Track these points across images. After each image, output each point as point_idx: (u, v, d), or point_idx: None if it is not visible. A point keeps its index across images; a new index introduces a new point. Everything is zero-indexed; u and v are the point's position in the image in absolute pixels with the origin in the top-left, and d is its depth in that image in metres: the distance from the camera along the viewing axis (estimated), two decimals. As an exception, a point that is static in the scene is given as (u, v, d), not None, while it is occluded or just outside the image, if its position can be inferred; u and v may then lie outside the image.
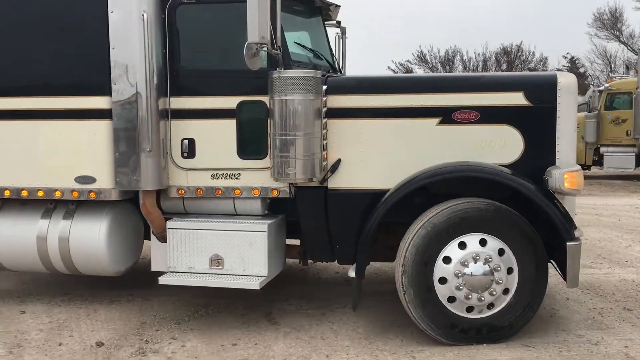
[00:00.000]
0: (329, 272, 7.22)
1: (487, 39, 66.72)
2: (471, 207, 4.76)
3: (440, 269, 4.75)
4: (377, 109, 5.27)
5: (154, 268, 5.65)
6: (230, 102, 5.31)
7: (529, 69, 37.06)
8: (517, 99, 5.08)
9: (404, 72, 39.31)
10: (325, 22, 6.94)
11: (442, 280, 4.74)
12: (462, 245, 4.73)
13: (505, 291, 4.75)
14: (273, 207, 5.60)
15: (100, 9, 5.17)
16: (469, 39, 64.24)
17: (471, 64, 40.24)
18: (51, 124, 5.44)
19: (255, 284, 5.12)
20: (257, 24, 4.65)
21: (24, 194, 5.55)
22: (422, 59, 41.47)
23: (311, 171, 5.09)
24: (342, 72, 6.64)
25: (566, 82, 5.06)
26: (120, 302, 6.10)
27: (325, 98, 5.19)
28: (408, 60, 42.21)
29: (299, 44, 5.63)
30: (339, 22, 7.16)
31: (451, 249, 4.73)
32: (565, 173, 4.70)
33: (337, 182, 5.31)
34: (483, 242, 4.72)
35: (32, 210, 5.68)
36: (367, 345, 4.94)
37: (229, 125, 5.33)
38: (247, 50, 4.69)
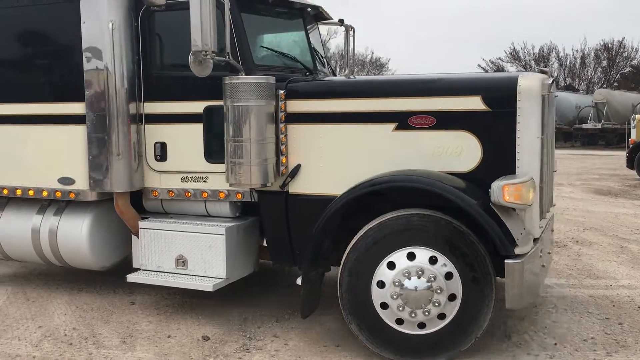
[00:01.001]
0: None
1: (586, 34, 62.31)
2: (398, 222, 4.56)
3: (377, 293, 4.57)
4: (333, 113, 5.16)
5: (134, 265, 5.91)
6: (196, 106, 5.42)
7: (632, 67, 34.26)
8: (474, 103, 4.77)
9: (494, 71, 37.69)
10: (325, 22, 6.92)
11: (384, 306, 4.56)
12: (391, 265, 4.53)
13: (452, 297, 4.50)
14: (247, 209, 5.68)
15: (75, 19, 5.46)
16: (565, 34, 60.26)
17: (568, 61, 37.87)
18: (36, 128, 5.84)
19: (209, 286, 5.23)
20: (199, 32, 4.71)
21: (18, 192, 6.01)
22: (514, 56, 39.60)
23: (264, 177, 5.08)
24: (329, 71, 6.56)
25: (527, 84, 4.67)
26: (223, 298, 5.94)
27: (282, 103, 5.17)
28: (500, 58, 40.47)
29: (266, 47, 5.62)
30: (341, 21, 7.07)
31: (383, 270, 4.55)
32: (504, 185, 4.35)
33: (298, 187, 5.27)
34: (411, 256, 4.49)
35: (30, 206, 6.12)
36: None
37: (197, 130, 5.44)
38: (192, 58, 4.77)
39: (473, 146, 4.78)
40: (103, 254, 5.96)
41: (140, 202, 5.91)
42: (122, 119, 5.47)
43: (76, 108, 5.58)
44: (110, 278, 6.46)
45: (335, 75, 7.14)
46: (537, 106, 4.65)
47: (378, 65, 52.95)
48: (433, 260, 4.45)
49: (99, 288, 6.06)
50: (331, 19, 6.81)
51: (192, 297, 6.01)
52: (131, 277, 5.58)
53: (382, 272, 4.55)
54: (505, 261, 4.27)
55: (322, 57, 6.46)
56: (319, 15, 6.54)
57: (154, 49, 5.55)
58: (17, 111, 5.92)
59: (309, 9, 6.16)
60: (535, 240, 4.69)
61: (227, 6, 4.92)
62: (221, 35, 5.05)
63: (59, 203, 6.02)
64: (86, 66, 5.46)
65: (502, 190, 4.30)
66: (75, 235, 5.85)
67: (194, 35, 4.73)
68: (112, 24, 5.31)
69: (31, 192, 5.94)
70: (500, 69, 38.95)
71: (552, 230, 5.72)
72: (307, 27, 6.18)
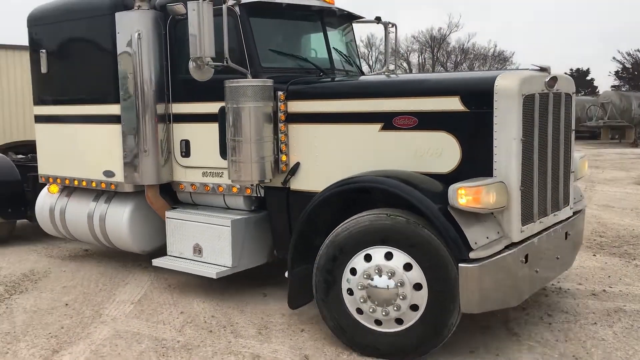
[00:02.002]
0: (570, 282, 6.47)
1: None
2: (362, 224, 4.63)
3: (348, 299, 4.70)
4: (326, 114, 5.34)
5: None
6: (213, 107, 5.82)
7: None
8: (453, 104, 4.70)
9: (632, 63, 34.63)
10: (361, 21, 7.05)
11: (359, 311, 4.66)
12: (368, 258, 4.60)
13: (414, 307, 4.51)
14: (263, 204, 6.01)
15: (112, 30, 6.13)
16: None
17: None
18: (86, 127, 6.64)
19: (212, 274, 5.66)
20: (197, 40, 5.12)
21: (75, 183, 6.88)
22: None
23: (261, 174, 5.40)
24: (357, 70, 6.69)
25: (504, 84, 4.50)
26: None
27: (282, 104, 5.44)
28: (638, 50, 36.76)
29: (275, 50, 5.88)
30: (378, 19, 7.17)
31: (356, 264, 4.64)
32: (459, 188, 4.24)
33: (298, 184, 5.53)
34: (388, 256, 4.52)
35: (88, 195, 6.96)
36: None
37: (214, 129, 5.86)
38: (192, 64, 5.19)
39: (452, 147, 4.72)
40: (142, 239, 6.62)
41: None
42: (149, 119, 6.06)
43: (114, 109, 6.27)
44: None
45: (364, 74, 7.22)
46: (515, 107, 4.48)
47: (501, 59, 50.64)
48: (389, 256, 4.51)
49: (232, 278, 5.94)
50: (361, 17, 6.95)
51: None
52: (156, 261, 6.17)
53: (349, 280, 4.68)
54: (459, 265, 4.21)
55: (347, 56, 6.62)
56: (351, 15, 6.70)
57: (180, 54, 6.03)
58: (72, 112, 6.77)
59: (330, 11, 6.34)
60: (515, 244, 4.56)
61: (225, 14, 5.27)
62: (232, 41, 5.47)
63: (108, 193, 6.79)
64: (120, 71, 6.12)
65: (457, 194, 4.24)
66: (118, 221, 6.57)
67: (192, 43, 5.15)
68: (139, 34, 5.89)
69: (84, 183, 6.77)
70: (638, 61, 35.51)
71: (569, 234, 5.41)
72: (328, 28, 6.37)
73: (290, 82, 5.54)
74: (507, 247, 4.49)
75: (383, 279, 4.51)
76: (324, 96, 5.43)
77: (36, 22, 7.03)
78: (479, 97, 4.59)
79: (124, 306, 5.84)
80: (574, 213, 5.68)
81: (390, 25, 7.37)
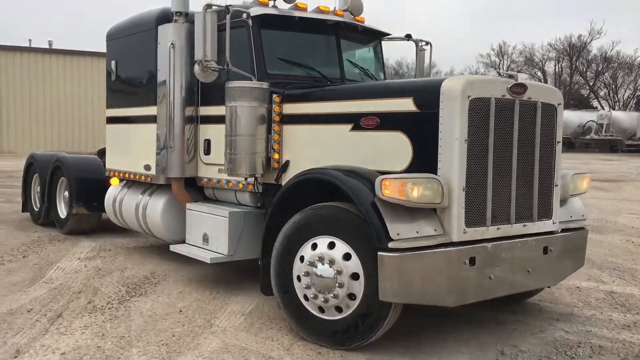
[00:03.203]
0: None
1: None
2: (311, 213, 4.92)
3: (297, 285, 4.97)
4: (309, 115, 5.74)
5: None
6: (228, 110, 6.47)
7: None
8: (407, 105, 4.88)
9: None
10: (391, 38, 7.37)
11: (305, 298, 4.94)
12: (314, 247, 4.86)
13: (351, 296, 4.67)
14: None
15: (155, 43, 7.02)
16: None
17: None
18: (134, 126, 7.59)
19: (207, 258, 6.19)
20: (201, 45, 5.79)
21: (126, 176, 7.83)
22: None
23: (252, 168, 5.88)
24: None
25: (450, 86, 4.60)
26: (480, 324, 5.56)
27: (277, 105, 5.91)
28: None
29: (282, 59, 6.36)
30: (408, 36, 7.45)
31: (305, 251, 4.92)
32: (383, 180, 4.37)
33: (287, 180, 5.89)
34: (331, 245, 4.75)
35: (139, 187, 7.86)
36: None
37: (228, 129, 6.49)
38: (196, 67, 5.86)
39: (406, 146, 4.89)
40: (174, 229, 7.30)
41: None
42: (177, 119, 6.83)
43: (152, 110, 7.13)
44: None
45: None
46: (457, 108, 4.56)
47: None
48: (332, 247, 4.74)
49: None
50: (388, 34, 7.25)
51: (453, 321, 5.59)
52: (173, 247, 6.84)
53: (297, 267, 4.97)
54: (378, 253, 4.35)
55: (364, 69, 6.94)
56: (376, 31, 7.05)
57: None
58: (127, 113, 7.79)
59: (348, 26, 6.73)
60: (456, 244, 4.58)
61: (228, 25, 5.88)
62: (244, 49, 6.12)
63: (152, 186, 7.63)
64: (158, 78, 6.98)
65: (381, 185, 4.39)
66: (154, 211, 7.36)
67: (197, 47, 5.83)
68: (172, 44, 6.71)
69: (132, 176, 7.70)
70: None
71: (551, 250, 5.22)
72: (345, 41, 6.76)
73: (287, 87, 6.00)
74: (443, 245, 4.54)
75: (325, 267, 4.75)
76: (308, 99, 5.83)
77: (109, 37, 8.20)
78: (428, 98, 4.74)
79: (234, 317, 5.67)
80: (567, 230, 5.48)
81: (424, 44, 7.59)
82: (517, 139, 4.92)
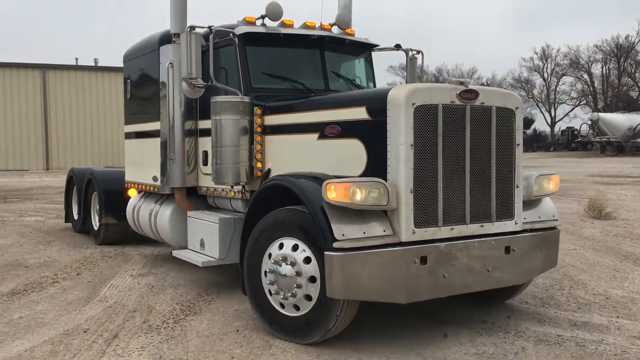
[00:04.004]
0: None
1: None
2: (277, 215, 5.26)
3: (264, 282, 5.31)
4: (284, 125, 6.11)
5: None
6: (221, 123, 6.92)
7: None
8: (361, 113, 5.18)
9: None
10: (380, 49, 7.65)
11: (269, 293, 5.28)
12: (281, 246, 5.17)
13: (308, 297, 4.98)
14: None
15: (158, 62, 7.57)
16: None
17: None
18: (142, 140, 8.16)
19: (199, 262, 6.61)
20: (186, 63, 6.27)
21: (140, 187, 8.41)
22: None
23: (235, 177, 6.29)
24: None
25: (395, 94, 4.86)
26: (548, 344, 5.23)
27: (258, 117, 6.30)
28: None
29: (266, 73, 6.74)
30: (398, 46, 7.70)
31: (271, 251, 5.25)
32: (327, 184, 4.65)
33: (270, 187, 6.30)
34: (295, 248, 5.07)
35: (154, 197, 8.41)
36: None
37: (222, 140, 6.93)
38: (184, 84, 6.34)
39: (361, 152, 5.18)
40: (180, 235, 7.76)
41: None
42: (177, 133, 7.33)
43: (157, 125, 7.67)
44: (421, 306, 5.94)
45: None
46: (402, 115, 4.81)
47: None
48: (295, 248, 5.07)
49: (407, 311, 5.79)
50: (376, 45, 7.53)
51: (512, 337, 5.38)
52: (175, 253, 7.32)
53: (265, 263, 5.31)
54: (325, 253, 4.64)
55: (350, 80, 7.24)
56: (362, 44, 7.34)
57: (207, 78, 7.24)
58: (138, 129, 8.39)
59: (333, 39, 7.06)
60: (406, 244, 4.82)
61: (211, 44, 6.34)
62: (231, 65, 6.56)
63: (163, 196, 8.16)
64: (160, 94, 7.51)
65: (327, 189, 4.69)
66: (162, 219, 7.88)
67: (182, 66, 6.31)
68: (170, 64, 7.22)
69: (143, 187, 8.27)
70: None
71: (514, 249, 5.36)
72: (331, 53, 7.09)
73: (268, 100, 6.39)
74: (391, 245, 4.79)
75: (287, 267, 5.08)
76: (284, 111, 6.19)
77: (125, 59, 8.85)
78: (378, 106, 5.01)
79: None
80: (535, 230, 5.60)
81: (415, 53, 7.82)
82: (469, 143, 5.11)
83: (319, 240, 4.72)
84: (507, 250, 5.37)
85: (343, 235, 4.65)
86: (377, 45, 7.57)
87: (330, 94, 6.27)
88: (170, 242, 7.97)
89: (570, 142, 67.61)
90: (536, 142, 73.90)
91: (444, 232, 5.03)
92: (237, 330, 5.56)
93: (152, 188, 7.99)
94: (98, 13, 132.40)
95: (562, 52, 75.85)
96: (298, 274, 5.00)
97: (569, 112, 79.31)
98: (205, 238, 6.88)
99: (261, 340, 5.30)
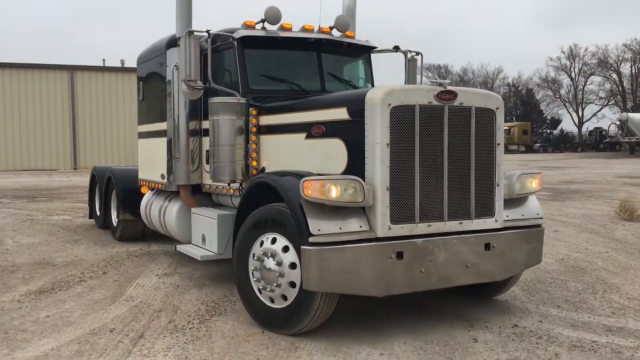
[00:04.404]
0: None
1: None
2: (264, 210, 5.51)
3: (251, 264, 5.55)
4: (277, 126, 6.34)
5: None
6: (222, 123, 7.20)
7: None
8: (343, 114, 5.39)
9: None
10: (379, 51, 7.84)
11: (259, 291, 5.53)
12: (261, 244, 5.43)
13: (292, 284, 5.20)
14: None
15: (165, 65, 7.90)
16: None
17: None
18: (152, 140, 8.50)
19: (198, 256, 6.91)
20: (184, 65, 6.57)
21: (150, 184, 8.76)
22: None
23: (232, 174, 6.56)
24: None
25: (372, 95, 5.06)
26: (583, 349, 5.14)
27: (254, 118, 6.56)
28: None
29: (264, 75, 7.00)
30: (396, 47, 7.88)
31: (258, 245, 5.49)
32: (305, 181, 4.86)
33: (264, 185, 6.55)
34: (273, 241, 5.33)
35: (164, 194, 8.75)
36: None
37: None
38: (183, 85, 6.64)
39: (342, 151, 5.39)
40: (186, 230, 8.08)
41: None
42: (182, 132, 7.65)
43: (164, 125, 8.01)
44: (449, 304, 6.29)
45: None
46: (378, 115, 5.01)
47: None
48: (274, 242, 5.32)
49: (437, 315, 5.87)
50: (374, 47, 7.70)
51: (545, 343, 5.29)
52: (179, 247, 7.63)
53: (253, 254, 5.56)
54: (300, 247, 4.87)
55: (347, 81, 7.43)
56: (360, 46, 7.54)
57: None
58: (148, 129, 8.75)
59: (330, 42, 7.27)
60: (382, 240, 5.01)
61: (209, 47, 6.62)
62: (231, 67, 6.84)
63: (172, 193, 8.49)
64: (167, 95, 7.84)
65: (303, 186, 4.91)
66: (170, 215, 8.22)
67: (181, 67, 6.61)
68: (175, 66, 7.53)
69: (153, 184, 8.62)
70: None
71: (494, 246, 5.50)
72: (328, 55, 7.30)
73: (264, 101, 6.64)
74: (367, 240, 4.99)
75: (270, 260, 5.33)
76: (277, 111, 6.44)
77: (138, 61, 9.23)
78: (357, 107, 5.21)
79: (319, 339, 5.32)
80: (517, 228, 5.73)
81: (415, 54, 7.98)
82: (447, 142, 5.26)
83: (297, 235, 4.95)
84: (487, 246, 5.51)
85: (319, 230, 4.87)
86: (375, 47, 7.75)
87: (317, 95, 6.48)
88: (177, 237, 8.29)
89: (598, 143, 66.59)
90: (563, 143, 73.05)
91: (421, 228, 5.20)
92: (263, 332, 5.53)
93: (160, 186, 8.33)
94: (127, 13, 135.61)
95: (590, 51, 74.97)
96: (279, 263, 5.25)
97: (597, 112, 78.38)
98: (206, 233, 7.17)
99: (287, 342, 5.24)
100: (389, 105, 5.03)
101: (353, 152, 5.29)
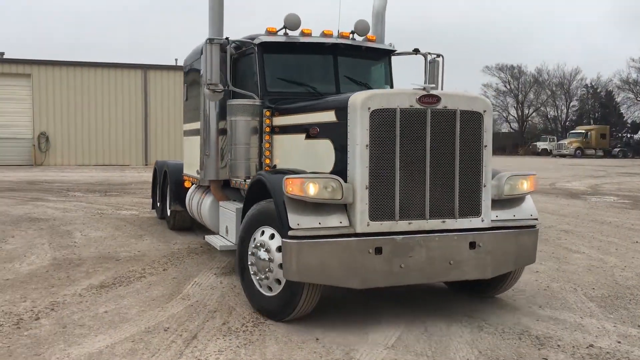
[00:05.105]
0: None
1: None
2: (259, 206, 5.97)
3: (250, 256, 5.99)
4: (286, 126, 6.79)
5: (230, 234, 8.46)
6: (245, 122, 7.73)
7: None
8: (332, 116, 5.74)
9: None
10: (399, 54, 8.09)
11: (258, 284, 5.93)
12: (261, 234, 5.85)
13: (281, 267, 5.53)
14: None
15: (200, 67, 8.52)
16: None
17: None
18: (192, 138, 9.16)
19: (217, 245, 7.46)
20: (205, 69, 7.12)
21: (190, 179, 9.44)
22: None
23: (247, 171, 7.08)
24: None
25: (353, 100, 5.37)
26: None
27: (267, 118, 7.03)
28: None
29: (281, 78, 7.42)
30: (416, 50, 8.10)
31: (255, 237, 5.92)
32: (286, 179, 5.21)
33: (276, 182, 7.00)
34: (264, 233, 5.76)
35: (203, 188, 9.39)
36: None
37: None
38: (205, 89, 7.20)
39: (331, 151, 5.75)
40: (216, 222, 8.64)
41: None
42: (212, 131, 8.22)
43: (199, 125, 8.63)
44: (507, 317, 6.07)
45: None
46: (358, 118, 5.32)
47: None
48: (263, 234, 5.75)
49: (502, 331, 5.64)
50: (394, 50, 7.95)
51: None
52: (206, 238, 8.22)
53: (250, 248, 6.00)
54: (282, 239, 5.27)
55: (363, 83, 7.73)
56: (377, 50, 7.82)
57: (237, 83, 8.08)
58: (189, 128, 9.45)
59: (348, 46, 7.60)
60: (361, 235, 5.33)
61: (229, 53, 7.14)
62: (251, 71, 7.36)
63: (207, 187, 9.11)
64: (201, 97, 8.46)
65: (284, 183, 5.29)
66: (204, 207, 8.85)
67: (203, 71, 7.18)
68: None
69: (192, 179, 9.29)
70: None
71: (479, 245, 5.67)
72: (345, 58, 7.63)
73: (278, 103, 7.09)
74: (346, 235, 5.32)
75: (262, 251, 5.76)
76: (287, 113, 6.87)
77: (184, 63, 9.95)
78: (342, 110, 5.54)
79: (376, 350, 5.14)
80: (507, 228, 5.86)
81: (436, 56, 8.14)
82: (429, 143, 5.48)
83: (281, 228, 5.36)
84: (473, 245, 5.67)
85: (298, 224, 5.25)
86: (395, 51, 7.99)
87: (315, 99, 6.84)
88: (210, 227, 8.91)
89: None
90: (647, 147, 68.36)
91: (401, 225, 5.46)
92: (317, 339, 5.39)
93: (196, 180, 8.98)
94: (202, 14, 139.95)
95: (676, 51, 69.33)
96: (268, 250, 5.67)
97: (683, 115, 72.53)
98: (228, 225, 7.72)
99: (341, 352, 5.08)
100: (369, 108, 5.32)
101: (338, 153, 5.64)
